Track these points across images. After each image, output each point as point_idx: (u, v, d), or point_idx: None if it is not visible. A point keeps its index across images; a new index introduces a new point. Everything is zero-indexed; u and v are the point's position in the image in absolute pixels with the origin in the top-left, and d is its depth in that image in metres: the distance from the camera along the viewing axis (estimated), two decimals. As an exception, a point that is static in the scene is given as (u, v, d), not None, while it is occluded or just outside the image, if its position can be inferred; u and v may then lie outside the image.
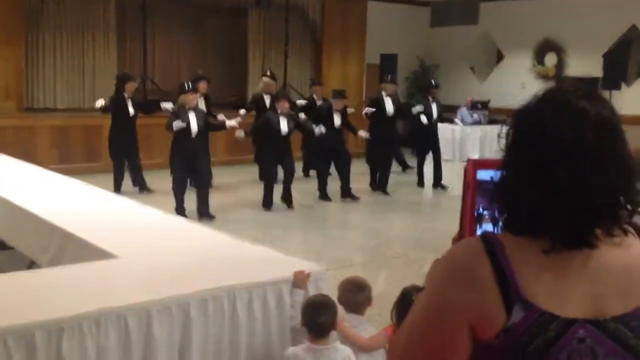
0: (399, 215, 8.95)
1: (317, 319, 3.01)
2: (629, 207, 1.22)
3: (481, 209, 1.53)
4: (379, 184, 10.01)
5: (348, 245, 7.20)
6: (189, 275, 3.37)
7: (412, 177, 10.93)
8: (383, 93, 9.98)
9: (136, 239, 4.08)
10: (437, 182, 10.47)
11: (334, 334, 3.13)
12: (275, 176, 8.85)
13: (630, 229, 1.24)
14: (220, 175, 10.04)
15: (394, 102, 9.97)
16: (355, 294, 3.45)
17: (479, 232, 1.49)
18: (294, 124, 8.75)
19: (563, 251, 1.19)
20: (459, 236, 1.58)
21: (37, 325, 2.68)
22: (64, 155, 10.78)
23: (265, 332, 3.30)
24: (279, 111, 8.58)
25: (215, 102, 11.36)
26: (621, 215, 1.21)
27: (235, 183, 10.42)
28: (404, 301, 3.19)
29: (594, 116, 1.20)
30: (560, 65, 14.45)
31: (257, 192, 8.98)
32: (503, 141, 1.29)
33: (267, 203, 8.65)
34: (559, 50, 14.44)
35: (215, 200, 9.19)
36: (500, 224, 1.29)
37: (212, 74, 11.56)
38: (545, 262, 1.19)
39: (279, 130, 8.51)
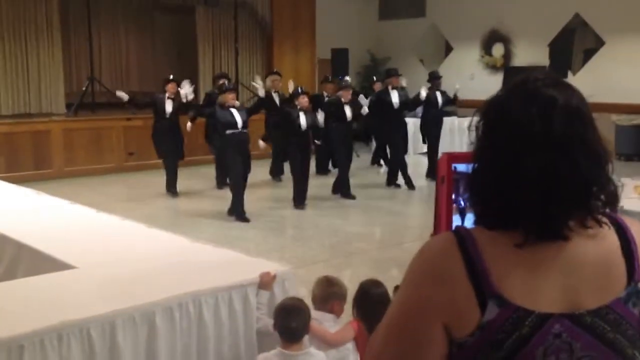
0: (354, 211, 8.95)
1: (290, 323, 2.96)
2: (602, 197, 1.20)
3: (462, 202, 1.51)
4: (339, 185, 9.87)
5: (308, 243, 7.18)
6: (152, 283, 3.29)
7: (360, 174, 10.97)
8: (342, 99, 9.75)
9: (94, 248, 3.96)
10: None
11: (307, 338, 3.09)
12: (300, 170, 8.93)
13: (605, 219, 1.22)
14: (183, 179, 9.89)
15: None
16: (325, 287, 3.43)
17: (464, 224, 1.47)
18: (312, 120, 8.93)
19: (536, 244, 1.17)
20: (435, 232, 1.56)
21: (-5, 344, 2.57)
22: (11, 163, 10.43)
23: (232, 336, 3.25)
24: (298, 107, 8.78)
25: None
26: (594, 205, 1.20)
27: (189, 184, 10.27)
28: (362, 295, 3.19)
29: (562, 105, 1.19)
30: (507, 55, 14.71)
31: (210, 192, 8.88)
32: (473, 133, 1.27)
33: (301, 199, 8.78)
34: (505, 41, 14.70)
35: (168, 203, 9.07)
36: (474, 218, 1.27)
37: (162, 73, 11.37)
38: (518, 256, 1.18)
39: (299, 125, 8.68)
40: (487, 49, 15.05)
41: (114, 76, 13.69)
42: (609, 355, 1.18)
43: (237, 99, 8.73)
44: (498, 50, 14.91)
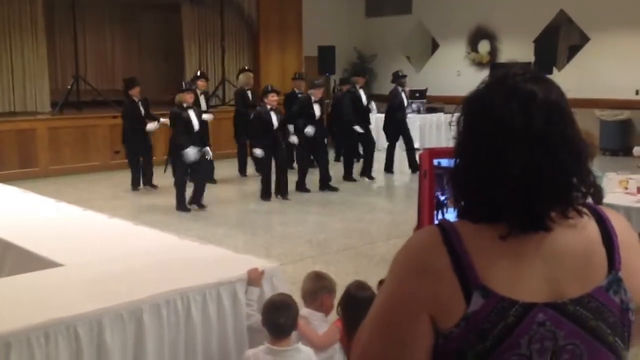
0: (339, 207, 8.95)
1: (278, 319, 2.96)
2: (582, 188, 1.22)
3: (441, 196, 1.53)
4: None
5: (294, 240, 7.18)
6: (139, 280, 3.29)
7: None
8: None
9: (81, 246, 3.95)
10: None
11: (295, 334, 3.09)
12: (270, 168, 9.07)
13: (585, 209, 1.24)
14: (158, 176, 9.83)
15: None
16: (314, 281, 3.43)
17: (441, 217, 1.49)
18: (282, 118, 9.05)
19: (519, 236, 1.19)
20: (418, 226, 1.57)
21: (-18, 342, 2.56)
22: (-4, 161, 10.37)
23: (221, 333, 3.25)
24: (268, 106, 8.81)
25: (155, 100, 11.17)
26: (575, 197, 1.22)
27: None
28: (348, 299, 3.19)
29: (542, 99, 1.20)
30: (493, 51, 14.77)
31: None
32: (455, 129, 1.28)
33: (267, 195, 8.95)
34: (491, 37, 14.77)
35: (154, 199, 9.05)
36: (457, 211, 1.29)
37: (148, 72, 11.35)
38: (502, 248, 1.20)
39: (271, 123, 8.76)
40: (473, 45, 15.11)
41: (100, 75, 13.63)
42: (591, 342, 1.20)
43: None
44: (484, 47, 14.97)
